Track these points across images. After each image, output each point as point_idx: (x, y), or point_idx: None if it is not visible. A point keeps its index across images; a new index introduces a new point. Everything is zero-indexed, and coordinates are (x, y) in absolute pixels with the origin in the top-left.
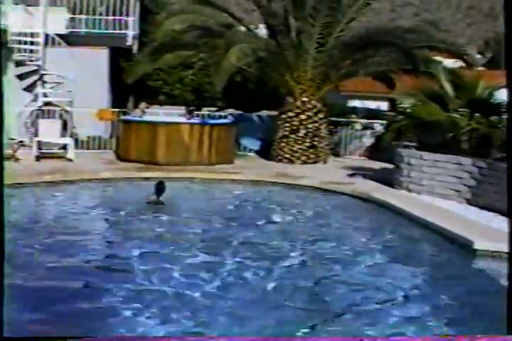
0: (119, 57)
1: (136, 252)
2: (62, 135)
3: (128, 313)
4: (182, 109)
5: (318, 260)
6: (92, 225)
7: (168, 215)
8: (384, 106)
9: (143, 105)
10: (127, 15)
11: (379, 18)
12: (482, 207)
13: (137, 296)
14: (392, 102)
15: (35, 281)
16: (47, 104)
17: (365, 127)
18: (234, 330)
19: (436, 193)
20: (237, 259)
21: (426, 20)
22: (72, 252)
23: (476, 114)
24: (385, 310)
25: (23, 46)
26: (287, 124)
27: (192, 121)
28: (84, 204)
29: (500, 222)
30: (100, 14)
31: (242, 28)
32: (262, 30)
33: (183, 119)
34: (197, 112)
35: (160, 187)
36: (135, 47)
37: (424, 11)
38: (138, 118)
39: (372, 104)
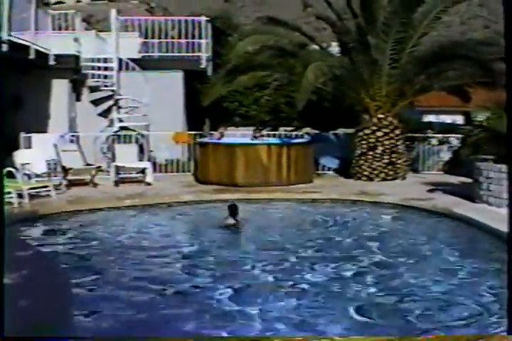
0: (194, 79)
1: None
2: (140, 159)
3: None
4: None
5: None
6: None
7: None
8: (459, 119)
9: (221, 129)
10: (200, 37)
11: (449, 31)
12: None
13: None
14: (468, 116)
15: None
16: (123, 128)
17: (441, 142)
18: None
19: None
20: None
21: (497, 32)
22: None
23: None
24: None
25: (96, 72)
26: (364, 142)
27: (269, 141)
28: (166, 227)
29: None
30: (172, 37)
31: (315, 47)
32: (334, 48)
33: (257, 140)
34: (273, 132)
35: (233, 210)
36: (209, 70)
37: (494, 22)
38: (215, 141)
39: (447, 118)
